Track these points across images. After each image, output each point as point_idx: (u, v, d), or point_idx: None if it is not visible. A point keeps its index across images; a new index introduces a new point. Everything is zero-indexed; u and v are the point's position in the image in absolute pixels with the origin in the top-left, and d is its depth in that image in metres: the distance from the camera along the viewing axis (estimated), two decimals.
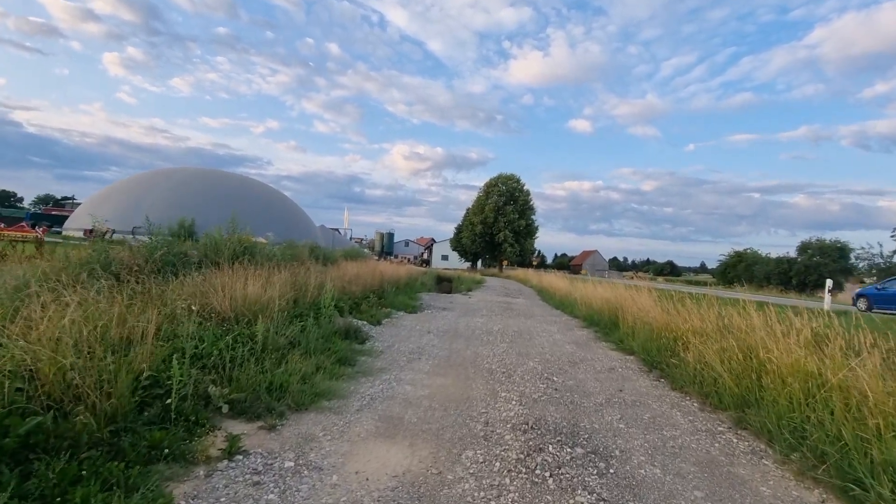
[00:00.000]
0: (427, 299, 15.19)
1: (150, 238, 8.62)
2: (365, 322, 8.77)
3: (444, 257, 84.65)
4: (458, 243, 64.20)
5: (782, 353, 4.13)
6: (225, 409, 3.73)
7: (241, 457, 3.11)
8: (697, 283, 58.26)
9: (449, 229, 67.08)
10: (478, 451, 3.46)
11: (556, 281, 20.59)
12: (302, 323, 6.14)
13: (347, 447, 3.41)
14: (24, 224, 33.01)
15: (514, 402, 4.70)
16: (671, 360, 6.09)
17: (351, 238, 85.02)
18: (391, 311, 11.01)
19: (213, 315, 5.53)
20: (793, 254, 47.72)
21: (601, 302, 11.13)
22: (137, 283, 5.62)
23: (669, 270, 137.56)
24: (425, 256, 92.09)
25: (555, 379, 5.76)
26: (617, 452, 3.59)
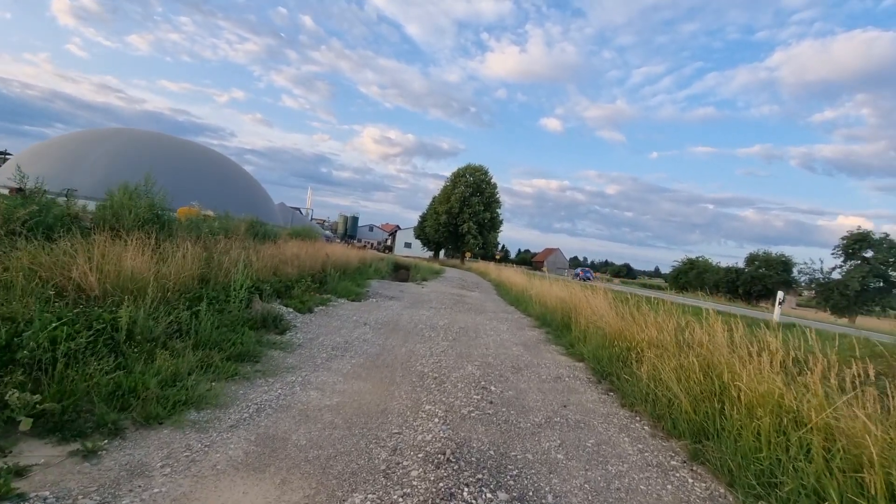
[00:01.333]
0: (376, 287, 14.23)
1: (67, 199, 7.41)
2: (292, 309, 7.74)
3: (408, 245, 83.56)
4: (421, 231, 63.18)
5: (752, 379, 3.50)
6: (26, 424, 2.70)
7: None
8: (652, 287, 59.92)
9: (415, 217, 66.04)
10: (368, 496, 2.60)
11: (514, 276, 20.04)
12: (196, 308, 5.07)
13: (188, 487, 2.48)
14: None
15: (437, 420, 3.88)
16: (623, 372, 5.46)
17: (312, 219, 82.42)
18: (330, 298, 10.00)
19: (73, 293, 4.40)
20: (741, 264, 49.74)
21: (555, 301, 10.54)
22: None
23: (626, 273, 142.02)
24: (388, 243, 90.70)
25: (492, 388, 5.00)
26: (550, 499, 2.83)
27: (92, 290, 4.47)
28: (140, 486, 2.41)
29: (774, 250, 50.71)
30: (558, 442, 3.72)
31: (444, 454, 3.19)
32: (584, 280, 29.19)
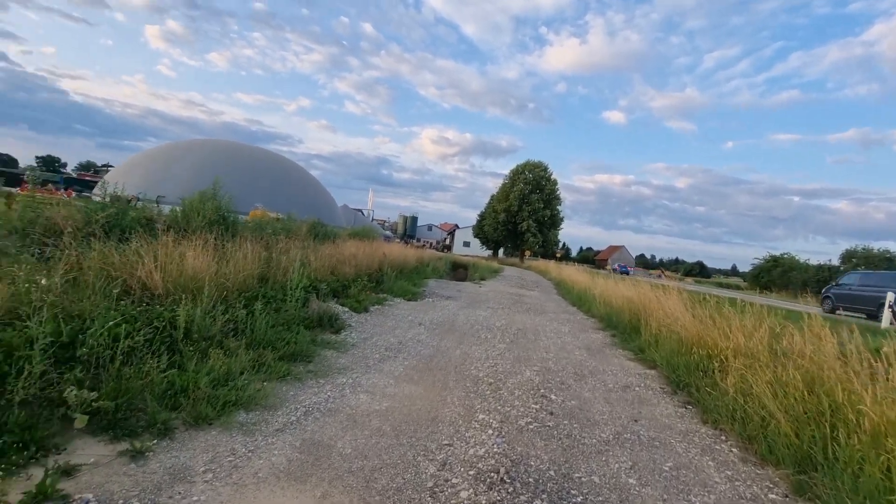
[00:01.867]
0: (433, 286, 14.13)
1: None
2: (347, 309, 7.76)
3: (466, 244, 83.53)
4: (480, 230, 62.80)
5: (880, 401, 2.86)
6: (81, 421, 2.74)
7: None
8: (729, 286, 55.30)
9: (473, 216, 65.81)
10: None
11: (576, 275, 19.16)
12: (252, 307, 5.12)
13: (227, 496, 2.37)
14: (50, 186, 33.88)
15: (491, 431, 3.58)
16: (703, 383, 4.83)
17: (373, 219, 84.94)
18: (386, 298, 9.99)
19: (139, 291, 4.58)
20: (834, 262, 44.63)
21: (622, 301, 9.81)
22: (56, 247, 4.71)
23: (699, 271, 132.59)
24: (447, 242, 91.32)
25: (553, 397, 4.60)
26: None
27: (156, 288, 4.63)
28: (180, 494, 2.33)
29: (876, 246, 44.83)
30: (629, 463, 3.27)
31: (498, 473, 2.88)
32: (623, 274, 27.83)
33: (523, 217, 52.31)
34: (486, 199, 61.82)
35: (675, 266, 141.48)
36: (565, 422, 3.96)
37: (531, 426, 3.77)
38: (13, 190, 13.55)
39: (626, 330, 8.56)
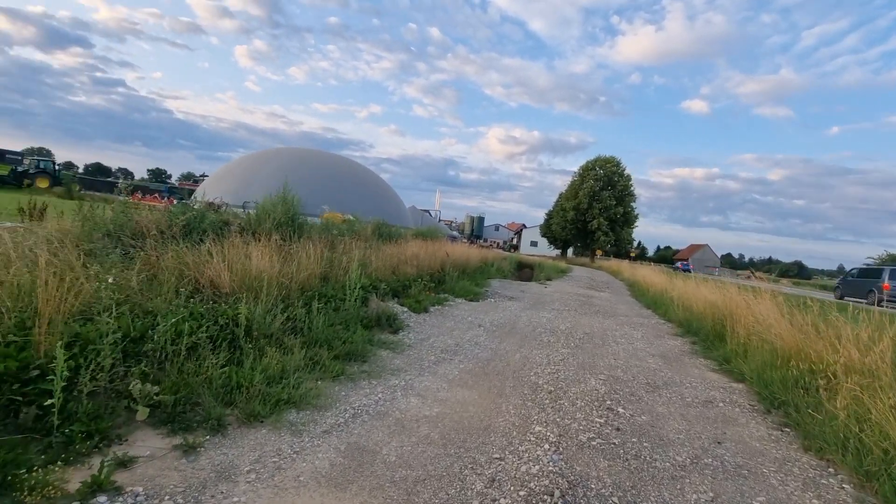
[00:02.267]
0: (496, 286, 13.83)
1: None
2: (406, 308, 7.74)
3: (534, 244, 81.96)
4: (547, 229, 61.22)
5: None
6: (143, 414, 2.86)
7: (103, 499, 2.17)
8: (824, 288, 48.86)
9: (541, 215, 64.08)
10: None
11: (652, 275, 17.85)
12: (310, 305, 5.22)
13: (267, 499, 2.33)
14: (156, 195, 38.23)
15: (547, 446, 3.29)
16: (804, 402, 4.15)
17: (440, 220, 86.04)
18: (447, 298, 9.89)
19: (209, 289, 4.83)
20: None
21: (704, 305, 8.89)
22: (138, 248, 5.10)
23: (797, 272, 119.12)
24: (514, 242, 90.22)
25: (620, 410, 4.18)
26: None
27: (223, 287, 4.86)
28: (222, 493, 2.33)
29: None
30: (710, 495, 2.83)
31: (553, 496, 2.60)
32: (685, 272, 25.80)
33: (594, 215, 50.14)
34: (555, 198, 60.12)
35: (769, 266, 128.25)
36: (633, 439, 3.55)
37: (593, 442, 3.42)
38: (118, 197, 15.25)
39: (708, 337, 7.73)
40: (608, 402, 4.34)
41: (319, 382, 4.02)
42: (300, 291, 5.97)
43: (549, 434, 3.49)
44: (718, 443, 3.66)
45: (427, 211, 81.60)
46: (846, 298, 19.12)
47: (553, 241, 60.70)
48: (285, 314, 4.71)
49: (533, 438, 3.39)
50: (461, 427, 3.49)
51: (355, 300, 6.21)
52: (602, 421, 3.87)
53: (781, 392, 4.59)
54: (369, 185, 55.19)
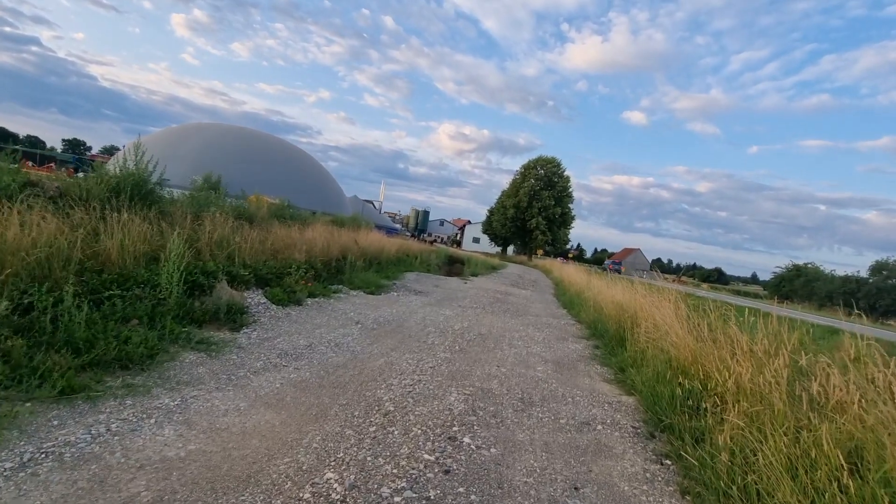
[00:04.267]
0: (411, 279, 12.77)
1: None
2: (270, 300, 6.45)
3: (476, 240, 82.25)
4: (489, 227, 61.27)
5: None
6: None
7: None
8: (747, 295, 52.74)
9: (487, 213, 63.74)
10: None
11: (575, 274, 17.59)
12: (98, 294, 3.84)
13: None
14: (51, 165, 33.84)
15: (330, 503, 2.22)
16: (690, 427, 3.40)
17: (383, 212, 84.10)
18: (339, 290, 8.69)
19: None
20: (863, 273, 42.08)
21: (612, 306, 8.32)
22: None
23: (716, 278, 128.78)
24: (457, 237, 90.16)
25: (466, 441, 3.20)
26: None
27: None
28: None
29: None
30: None
31: None
32: (615, 272, 26.72)
33: (533, 214, 50.60)
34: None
35: (692, 271, 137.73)
36: (461, 489, 2.57)
37: (397, 498, 2.39)
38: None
39: (611, 341, 7.10)
40: (455, 428, 3.36)
41: (25, 405, 2.71)
42: (97, 273, 4.55)
43: (336, 486, 2.42)
44: (576, 488, 2.77)
45: (370, 202, 79.34)
46: None
47: (494, 238, 60.84)
48: (16, 302, 3.32)
49: (307, 496, 2.31)
50: (208, 478, 2.34)
51: (176, 287, 4.84)
52: (432, 459, 2.86)
53: (668, 412, 3.85)
54: (307, 171, 52.25)
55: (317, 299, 7.47)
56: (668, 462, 3.29)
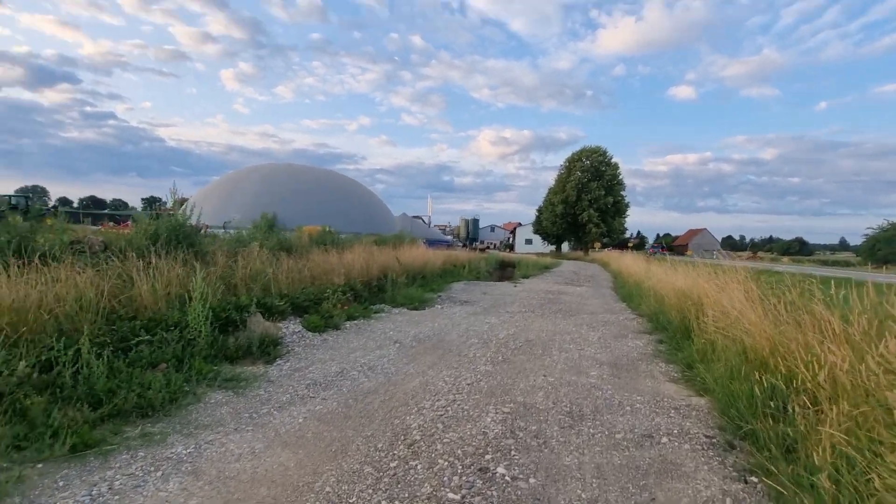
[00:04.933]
0: (457, 289, 12.44)
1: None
2: (306, 327, 6.35)
3: (528, 241, 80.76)
4: (539, 226, 59.94)
5: None
6: None
7: None
8: (836, 264, 47.29)
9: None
10: None
11: (633, 264, 16.43)
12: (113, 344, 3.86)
13: None
14: (128, 223, 37.24)
15: None
16: (776, 435, 2.76)
17: (433, 225, 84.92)
18: (381, 308, 8.53)
19: None
20: None
21: (673, 294, 7.49)
22: None
23: (798, 249, 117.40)
24: (510, 241, 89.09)
25: (500, 471, 2.77)
26: None
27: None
28: None
29: None
30: None
31: None
32: (654, 255, 24.40)
33: (583, 207, 48.78)
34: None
35: (770, 245, 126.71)
36: None
37: None
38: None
39: (676, 334, 6.34)
40: (488, 456, 2.95)
41: (37, 466, 2.65)
42: (129, 320, 4.62)
43: None
44: None
45: (419, 217, 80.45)
46: None
47: (546, 237, 59.35)
48: (35, 360, 3.33)
49: None
50: None
51: (203, 326, 4.81)
52: (457, 498, 2.47)
53: (748, 415, 3.20)
54: (355, 197, 54.04)
55: (356, 321, 7.32)
56: (754, 479, 2.68)
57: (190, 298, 5.54)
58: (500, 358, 5.46)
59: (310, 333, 6.18)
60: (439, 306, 9.45)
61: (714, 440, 3.24)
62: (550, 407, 3.87)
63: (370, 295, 9.30)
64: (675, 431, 3.39)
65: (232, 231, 11.69)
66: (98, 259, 5.94)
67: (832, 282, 4.23)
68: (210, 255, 7.40)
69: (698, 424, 3.53)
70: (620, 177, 51.04)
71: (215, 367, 4.47)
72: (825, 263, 35.69)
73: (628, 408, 3.89)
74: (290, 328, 6.18)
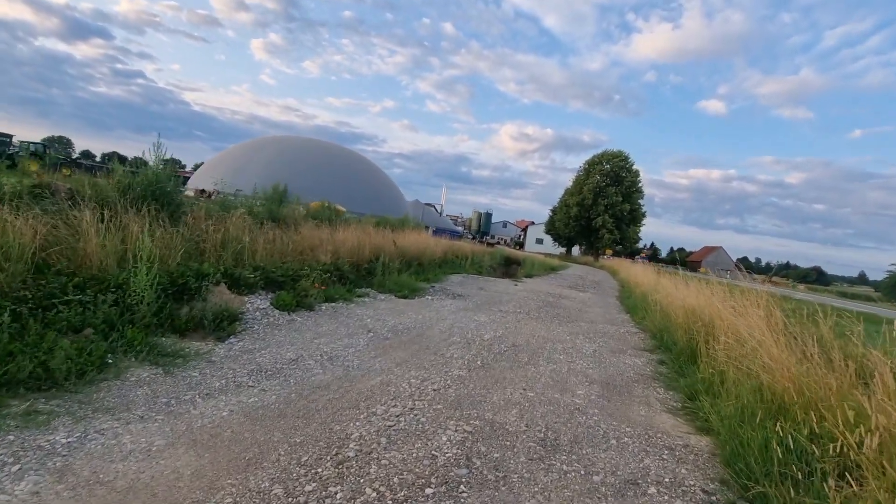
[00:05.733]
0: (454, 282, 11.86)
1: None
2: (275, 305, 5.83)
3: (539, 241, 79.80)
4: (551, 226, 58.89)
5: None
6: None
7: None
8: (855, 298, 45.68)
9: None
10: None
11: (643, 275, 15.66)
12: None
13: None
14: None
15: None
16: (799, 502, 2.16)
17: (445, 215, 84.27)
18: (367, 293, 7.99)
19: None
20: None
21: (681, 311, 6.82)
22: None
23: (815, 278, 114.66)
24: (520, 239, 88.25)
25: None
26: None
27: None
28: None
29: None
30: None
31: None
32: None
33: (598, 212, 47.66)
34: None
35: (786, 271, 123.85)
36: None
37: None
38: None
39: (681, 355, 5.70)
40: (429, 490, 2.36)
41: None
42: (66, 276, 4.12)
43: None
44: None
45: (432, 205, 79.83)
46: None
47: (557, 238, 58.28)
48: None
49: None
50: None
51: (147, 291, 4.29)
52: None
53: (759, 473, 2.59)
54: (369, 178, 53.60)
55: (335, 304, 6.78)
56: None
57: (162, 260, 5.06)
58: (478, 362, 4.88)
59: (277, 312, 5.65)
60: (430, 297, 8.88)
61: (713, 498, 2.63)
62: (522, 430, 3.28)
63: (358, 277, 8.76)
64: (667, 480, 2.78)
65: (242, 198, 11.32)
66: (60, 206, 5.47)
67: (861, 318, 3.57)
68: (189, 216, 6.91)
69: (696, 474, 2.91)
70: (640, 185, 49.78)
71: (155, 339, 3.96)
72: (845, 295, 34.38)
73: (614, 441, 3.28)
74: (257, 304, 5.66)
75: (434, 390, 3.87)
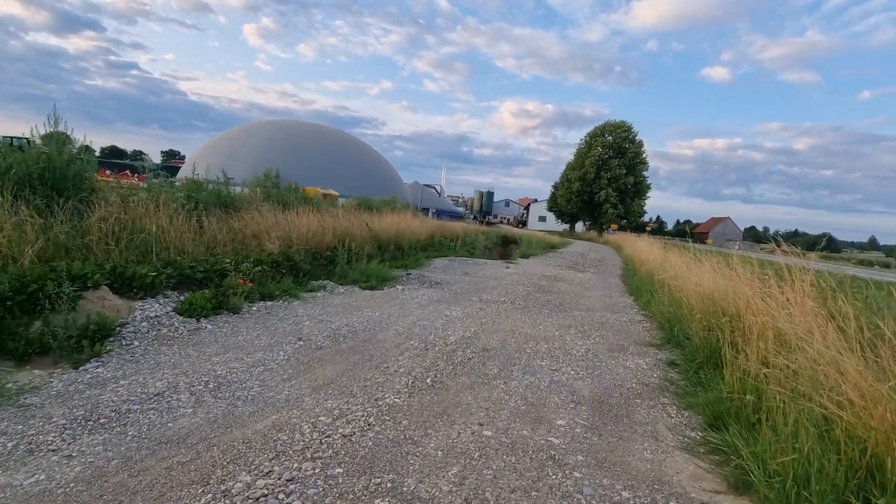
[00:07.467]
0: (438, 267, 10.62)
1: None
2: (180, 311, 4.63)
3: (542, 219, 78.33)
4: (553, 203, 57.25)
5: None
6: None
7: None
8: (869, 264, 44.04)
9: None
10: None
11: (647, 250, 14.32)
12: None
13: None
14: (127, 172, 36.15)
15: None
16: None
17: (445, 196, 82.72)
18: (323, 286, 6.80)
19: None
20: None
21: (698, 295, 5.55)
22: None
23: (825, 245, 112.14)
24: (523, 217, 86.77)
25: None
26: None
27: None
28: None
29: None
30: None
31: None
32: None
33: (601, 185, 45.95)
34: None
35: (795, 239, 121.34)
36: None
37: None
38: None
39: (696, 355, 4.45)
40: None
41: None
42: None
43: None
44: None
45: (432, 187, 78.22)
46: None
47: (560, 215, 56.72)
48: None
49: None
50: None
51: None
52: None
53: None
54: (365, 160, 52.07)
55: (272, 302, 5.59)
56: None
57: (13, 259, 3.86)
58: (429, 380, 3.67)
59: (179, 320, 4.45)
60: (400, 287, 7.67)
61: None
62: (437, 496, 2.08)
63: (316, 268, 7.56)
64: None
65: (233, 186, 10.32)
66: None
67: None
68: (92, 203, 5.70)
69: None
70: (644, 156, 47.84)
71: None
72: (861, 263, 32.81)
73: None
74: (154, 310, 4.46)
75: (345, 436, 2.67)
